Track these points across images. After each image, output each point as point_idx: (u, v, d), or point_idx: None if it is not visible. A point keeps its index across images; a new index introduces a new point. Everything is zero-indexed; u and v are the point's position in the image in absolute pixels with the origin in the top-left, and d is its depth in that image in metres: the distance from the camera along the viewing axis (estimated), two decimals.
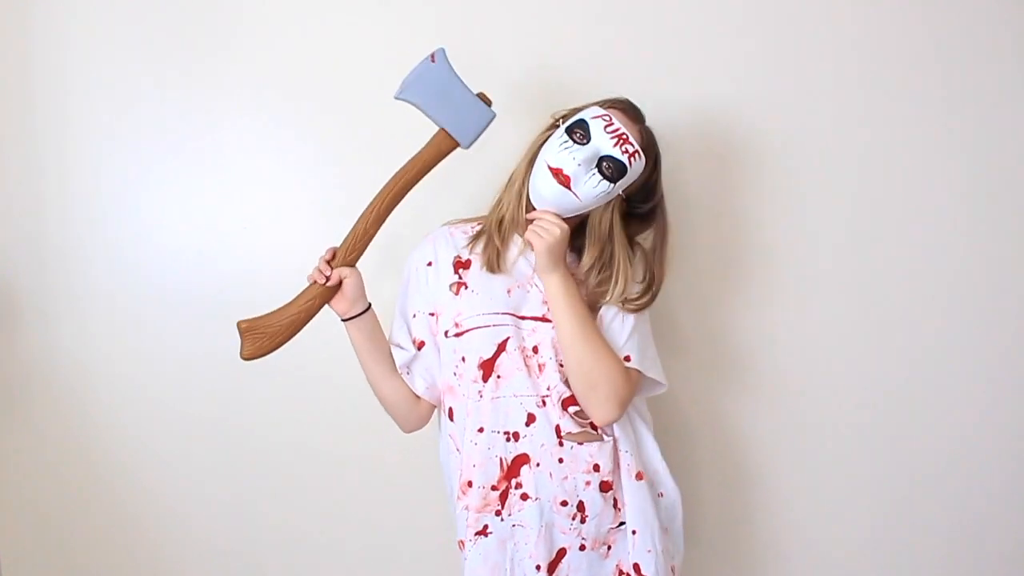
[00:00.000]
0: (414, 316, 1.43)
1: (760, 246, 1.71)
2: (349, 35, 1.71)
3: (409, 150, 1.69)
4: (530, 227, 1.31)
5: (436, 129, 1.36)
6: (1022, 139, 1.66)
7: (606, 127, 1.31)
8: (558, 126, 1.35)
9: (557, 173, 1.30)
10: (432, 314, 1.42)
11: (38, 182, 1.76)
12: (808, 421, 1.74)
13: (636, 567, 1.36)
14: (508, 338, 1.35)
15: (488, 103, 1.36)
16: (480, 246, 1.40)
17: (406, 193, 1.36)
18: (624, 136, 1.31)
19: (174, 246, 1.76)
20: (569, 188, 1.29)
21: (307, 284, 1.37)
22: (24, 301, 1.78)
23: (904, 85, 1.66)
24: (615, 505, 1.36)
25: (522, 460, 1.34)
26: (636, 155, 1.31)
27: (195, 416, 1.78)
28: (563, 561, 1.35)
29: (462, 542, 1.40)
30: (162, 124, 1.74)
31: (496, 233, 1.39)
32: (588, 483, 1.34)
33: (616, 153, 1.30)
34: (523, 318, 1.36)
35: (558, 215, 1.31)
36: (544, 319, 1.35)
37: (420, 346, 1.43)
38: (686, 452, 1.73)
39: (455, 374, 1.39)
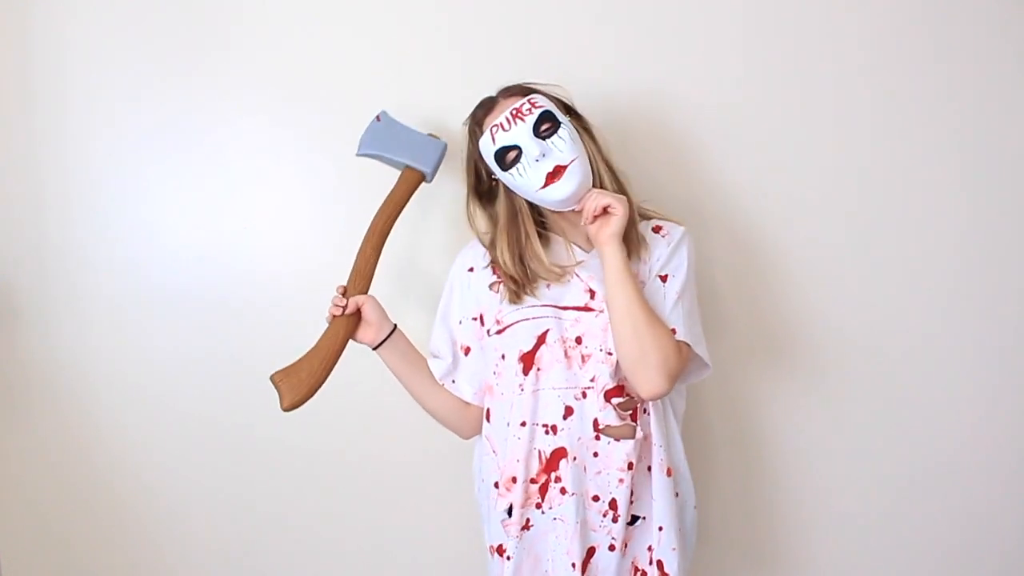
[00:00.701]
0: (460, 323, 1.44)
1: (769, 239, 1.71)
2: (350, 35, 1.71)
3: None
4: (597, 212, 1.30)
5: (398, 173, 1.50)
6: (1022, 138, 1.66)
7: (503, 129, 1.34)
8: (495, 180, 1.42)
9: (549, 181, 1.32)
10: (475, 318, 1.43)
11: (38, 182, 1.76)
12: (825, 416, 1.74)
13: (660, 564, 1.35)
14: (548, 330, 1.35)
15: (437, 138, 1.51)
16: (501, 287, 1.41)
17: (391, 226, 1.45)
18: (514, 112, 1.34)
19: (174, 246, 1.76)
20: (563, 168, 1.31)
21: (327, 324, 1.39)
22: (24, 301, 1.78)
23: (903, 79, 1.66)
24: (629, 498, 1.35)
25: (560, 454, 1.34)
26: (533, 102, 1.34)
27: (195, 416, 1.78)
28: (592, 559, 1.35)
29: (499, 547, 1.38)
30: (162, 124, 1.74)
31: (515, 278, 1.38)
32: (621, 480, 1.33)
33: (530, 120, 1.32)
34: (565, 308, 1.36)
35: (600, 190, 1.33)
36: (587, 308, 1.35)
37: (467, 352, 1.44)
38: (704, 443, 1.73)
39: (495, 372, 1.40)
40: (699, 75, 1.67)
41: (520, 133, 1.32)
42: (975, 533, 1.74)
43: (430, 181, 1.50)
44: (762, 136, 1.68)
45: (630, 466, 1.33)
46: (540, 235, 1.41)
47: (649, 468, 1.36)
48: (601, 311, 1.34)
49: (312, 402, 1.75)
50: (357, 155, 1.49)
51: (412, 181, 1.48)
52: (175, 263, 1.76)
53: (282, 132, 1.73)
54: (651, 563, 1.36)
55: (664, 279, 1.36)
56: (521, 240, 1.39)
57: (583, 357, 1.35)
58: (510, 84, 1.41)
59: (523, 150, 1.32)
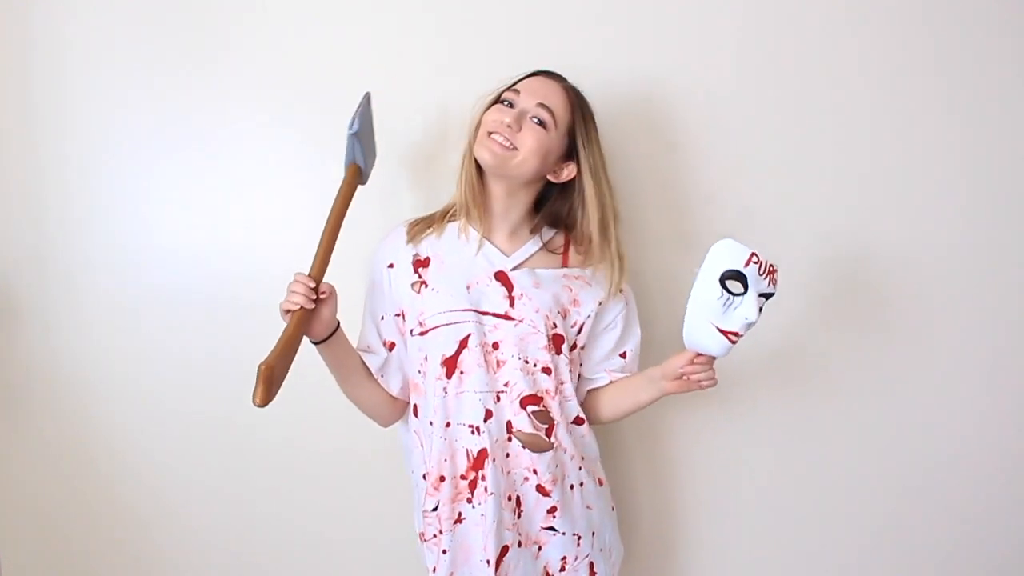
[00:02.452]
0: (382, 319, 1.46)
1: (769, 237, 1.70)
2: (349, 35, 1.71)
3: (408, 149, 1.70)
4: (694, 380, 1.34)
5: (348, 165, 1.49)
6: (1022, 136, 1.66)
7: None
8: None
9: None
10: (398, 315, 1.44)
11: (38, 183, 1.76)
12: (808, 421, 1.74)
13: (591, 566, 1.45)
14: (470, 335, 1.37)
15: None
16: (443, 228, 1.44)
17: (340, 225, 1.44)
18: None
19: (174, 246, 1.76)
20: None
21: (286, 312, 1.35)
22: (24, 301, 1.78)
23: (904, 78, 1.66)
24: (551, 511, 1.40)
25: (484, 454, 1.38)
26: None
27: (195, 416, 1.78)
28: (505, 558, 1.40)
29: (421, 535, 1.45)
30: (162, 124, 1.74)
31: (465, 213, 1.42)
32: (526, 479, 1.39)
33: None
34: (484, 314, 1.38)
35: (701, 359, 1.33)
36: (507, 317, 1.37)
37: (391, 347, 1.46)
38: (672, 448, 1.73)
39: (419, 372, 1.42)
40: (697, 71, 1.67)
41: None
42: (973, 535, 1.74)
43: (365, 182, 1.52)
44: (761, 133, 1.68)
45: (534, 471, 1.38)
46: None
47: (572, 487, 1.42)
48: (520, 320, 1.37)
49: (312, 402, 1.76)
50: (351, 134, 1.47)
51: (355, 184, 1.48)
52: (175, 263, 1.76)
53: (282, 132, 1.73)
54: (563, 570, 1.43)
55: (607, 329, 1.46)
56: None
57: (498, 362, 1.38)
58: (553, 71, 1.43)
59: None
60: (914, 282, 1.70)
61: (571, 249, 1.44)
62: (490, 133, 1.35)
